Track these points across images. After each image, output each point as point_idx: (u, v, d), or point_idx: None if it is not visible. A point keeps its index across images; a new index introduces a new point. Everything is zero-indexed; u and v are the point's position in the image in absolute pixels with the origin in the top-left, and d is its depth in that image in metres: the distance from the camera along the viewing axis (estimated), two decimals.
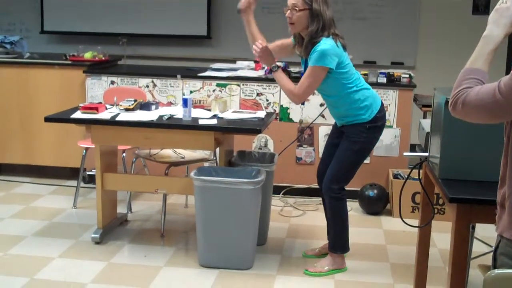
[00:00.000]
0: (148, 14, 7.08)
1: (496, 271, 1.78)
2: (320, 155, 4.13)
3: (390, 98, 5.08)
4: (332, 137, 3.95)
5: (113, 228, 4.42)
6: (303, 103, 4.80)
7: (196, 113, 4.12)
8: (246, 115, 4.17)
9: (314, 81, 3.56)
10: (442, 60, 6.61)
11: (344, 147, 3.72)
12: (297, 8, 3.52)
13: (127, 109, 4.17)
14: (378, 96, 3.81)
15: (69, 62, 5.57)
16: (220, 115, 4.11)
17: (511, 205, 1.89)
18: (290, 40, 3.79)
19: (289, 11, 3.56)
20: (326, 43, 3.49)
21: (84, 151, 4.89)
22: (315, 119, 4.59)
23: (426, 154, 3.04)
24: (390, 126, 5.07)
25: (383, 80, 5.11)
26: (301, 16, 3.52)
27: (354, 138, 3.68)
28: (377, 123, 3.70)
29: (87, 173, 5.40)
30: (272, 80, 5.05)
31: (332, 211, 3.80)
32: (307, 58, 3.60)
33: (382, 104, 3.76)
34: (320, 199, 4.12)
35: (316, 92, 3.97)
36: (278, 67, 3.70)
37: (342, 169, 3.72)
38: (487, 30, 1.96)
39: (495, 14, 1.97)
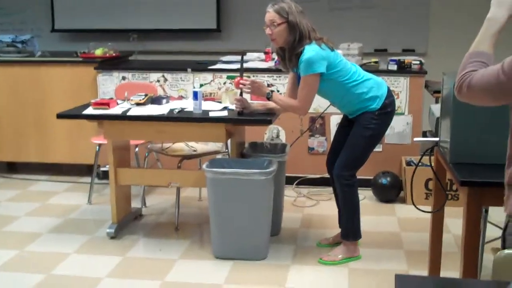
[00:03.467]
0: (158, 9, 7.08)
1: (506, 251, 1.78)
2: None
3: (401, 85, 5.06)
4: (342, 125, 3.96)
5: (127, 222, 4.45)
6: None
7: (206, 105, 4.13)
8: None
9: (310, 89, 3.63)
10: (454, 45, 6.47)
11: (355, 134, 3.72)
12: (275, 24, 3.61)
13: (138, 104, 4.18)
14: (383, 82, 3.80)
15: (80, 59, 5.62)
16: (231, 107, 4.11)
17: None
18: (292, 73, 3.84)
19: (268, 28, 3.65)
20: (309, 51, 3.56)
21: (97, 147, 4.92)
22: (326, 109, 4.57)
23: (437, 139, 3.02)
24: (402, 113, 5.05)
25: (394, 67, 5.10)
26: (281, 30, 3.62)
27: (366, 125, 3.68)
28: (387, 109, 3.70)
29: (101, 169, 5.44)
30: (282, 71, 5.06)
31: (343, 198, 3.80)
32: (298, 70, 3.66)
33: (389, 90, 3.75)
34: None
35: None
36: (272, 91, 3.82)
37: (353, 156, 3.72)
38: (491, 12, 1.95)
39: None
